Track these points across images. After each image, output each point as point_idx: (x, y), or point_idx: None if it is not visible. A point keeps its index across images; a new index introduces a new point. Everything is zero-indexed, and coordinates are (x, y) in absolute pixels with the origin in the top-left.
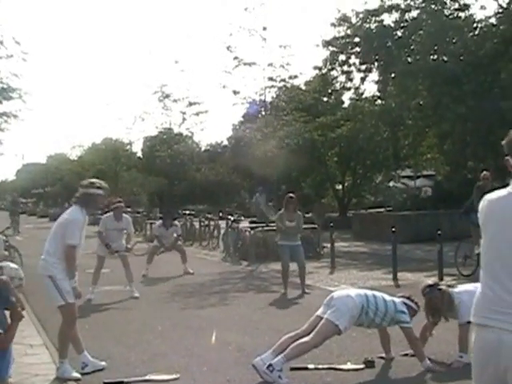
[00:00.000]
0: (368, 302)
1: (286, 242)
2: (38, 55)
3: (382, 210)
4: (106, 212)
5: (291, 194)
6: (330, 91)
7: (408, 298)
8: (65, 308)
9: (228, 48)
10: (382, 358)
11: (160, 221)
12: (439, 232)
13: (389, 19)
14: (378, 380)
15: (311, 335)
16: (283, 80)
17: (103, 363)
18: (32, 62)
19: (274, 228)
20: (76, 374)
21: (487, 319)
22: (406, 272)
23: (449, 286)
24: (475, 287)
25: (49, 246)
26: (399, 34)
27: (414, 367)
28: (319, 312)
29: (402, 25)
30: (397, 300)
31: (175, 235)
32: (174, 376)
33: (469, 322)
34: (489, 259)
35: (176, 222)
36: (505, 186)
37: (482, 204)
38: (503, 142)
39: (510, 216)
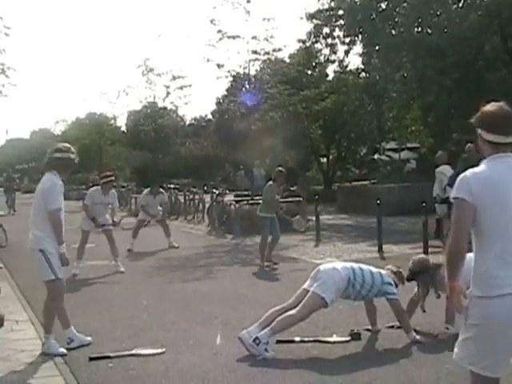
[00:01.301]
0: (354, 275)
1: (268, 214)
2: (21, 30)
3: (366, 182)
4: (91, 186)
5: (281, 168)
6: (314, 64)
7: (396, 272)
8: (53, 283)
9: (212, 21)
10: (368, 330)
11: (147, 189)
12: (424, 204)
13: None
14: (365, 352)
15: (297, 308)
16: (267, 53)
17: (89, 338)
18: (15, 37)
19: (259, 201)
20: (62, 350)
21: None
22: (391, 244)
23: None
24: None
25: (35, 219)
26: (383, 6)
27: (400, 339)
28: (305, 285)
29: None
30: (383, 272)
31: (160, 208)
32: (159, 350)
33: None
34: (499, 228)
35: (162, 190)
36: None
37: (466, 181)
38: (475, 117)
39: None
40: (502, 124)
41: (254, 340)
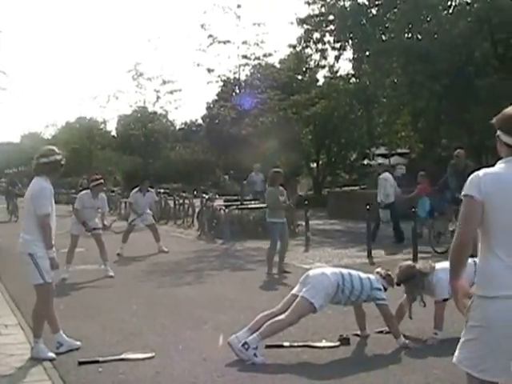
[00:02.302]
0: (343, 280)
1: (278, 220)
2: (12, 33)
3: (356, 188)
4: (81, 190)
5: (278, 169)
6: (304, 69)
7: (385, 276)
8: (42, 287)
9: (202, 26)
10: (357, 335)
11: (136, 188)
12: (413, 209)
13: None
14: (354, 357)
15: (286, 313)
16: (257, 58)
17: (78, 343)
18: (5, 40)
19: (249, 206)
20: (51, 354)
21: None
22: (381, 249)
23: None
24: None
25: (25, 223)
26: (374, 12)
27: (389, 344)
28: (294, 290)
29: (376, 3)
30: (372, 277)
31: (150, 212)
32: (149, 355)
33: (445, 300)
34: (501, 229)
35: (151, 189)
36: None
37: (477, 179)
38: (495, 118)
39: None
40: None
41: (243, 345)
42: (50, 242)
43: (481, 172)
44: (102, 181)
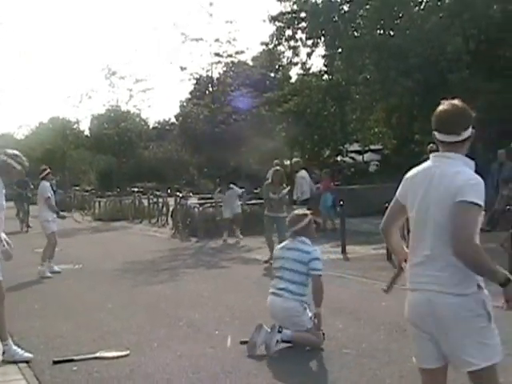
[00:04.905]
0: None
1: (270, 213)
2: None
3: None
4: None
5: (278, 167)
6: (277, 66)
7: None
8: None
9: (174, 24)
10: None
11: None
12: (387, 205)
13: None
14: (327, 352)
15: None
16: (230, 55)
17: (29, 355)
18: None
19: (221, 204)
20: (27, 354)
21: (412, 283)
22: (355, 245)
23: None
24: None
25: None
26: (346, 8)
27: (363, 338)
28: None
29: None
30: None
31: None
32: (124, 353)
33: None
34: (413, 230)
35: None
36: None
37: (404, 182)
38: (432, 118)
39: (433, 184)
40: None
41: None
42: None
43: (411, 171)
44: (49, 170)
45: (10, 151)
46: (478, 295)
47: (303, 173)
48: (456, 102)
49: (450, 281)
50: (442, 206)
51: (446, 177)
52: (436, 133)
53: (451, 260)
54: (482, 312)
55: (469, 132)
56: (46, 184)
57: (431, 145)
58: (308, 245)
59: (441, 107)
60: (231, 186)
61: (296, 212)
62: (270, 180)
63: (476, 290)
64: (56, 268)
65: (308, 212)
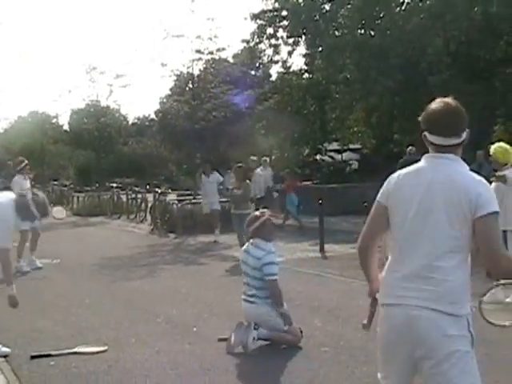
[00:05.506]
0: None
1: (235, 211)
2: None
3: (309, 182)
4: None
5: (239, 164)
6: (257, 64)
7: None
8: None
9: (160, 20)
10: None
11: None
12: (365, 204)
13: None
14: (305, 350)
15: None
16: (211, 52)
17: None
18: None
19: (200, 200)
20: (5, 349)
21: (397, 298)
22: (333, 244)
23: None
24: None
25: None
26: (327, 7)
27: (341, 337)
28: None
29: None
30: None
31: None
32: (102, 348)
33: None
34: (402, 237)
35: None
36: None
37: (387, 186)
38: (420, 118)
39: (436, 189)
40: None
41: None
42: None
43: (395, 173)
44: (26, 161)
45: None
46: (469, 317)
47: (260, 171)
48: (450, 101)
49: (444, 298)
50: (454, 215)
51: (454, 182)
52: (433, 136)
53: (452, 274)
54: (467, 335)
55: (466, 133)
56: (18, 180)
57: (410, 147)
58: (261, 249)
59: (436, 107)
60: (214, 171)
61: (255, 213)
62: (234, 178)
63: (470, 311)
64: (38, 263)
65: (265, 212)
